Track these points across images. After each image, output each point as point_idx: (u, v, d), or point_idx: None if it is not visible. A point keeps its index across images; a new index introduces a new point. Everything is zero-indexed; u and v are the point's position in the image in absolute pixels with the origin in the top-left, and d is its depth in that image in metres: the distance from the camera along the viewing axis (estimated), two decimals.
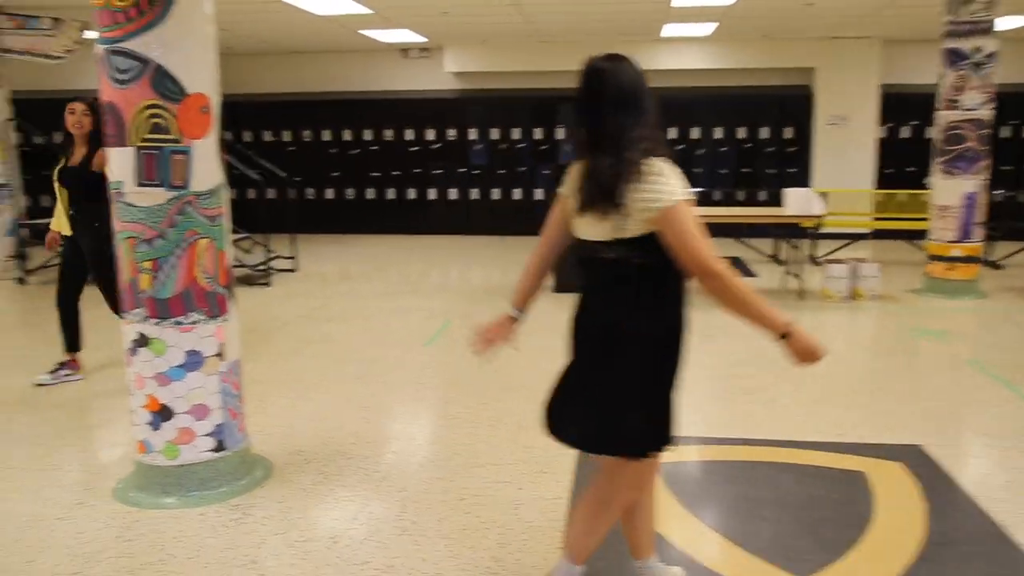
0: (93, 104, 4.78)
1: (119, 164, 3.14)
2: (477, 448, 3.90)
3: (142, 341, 3.22)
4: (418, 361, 5.52)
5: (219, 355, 3.31)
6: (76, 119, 4.76)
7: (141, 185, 3.11)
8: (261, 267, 8.54)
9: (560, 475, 3.53)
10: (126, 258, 3.21)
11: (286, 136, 12.32)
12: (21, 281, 8.64)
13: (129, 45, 3.00)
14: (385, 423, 4.38)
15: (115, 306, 5.01)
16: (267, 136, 12.28)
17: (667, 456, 2.34)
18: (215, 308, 3.28)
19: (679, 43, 11.27)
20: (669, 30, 10.47)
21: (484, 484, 3.48)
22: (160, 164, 3.09)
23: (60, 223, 4.98)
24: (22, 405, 4.64)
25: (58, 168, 4.91)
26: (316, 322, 6.72)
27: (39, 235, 9.14)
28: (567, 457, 3.68)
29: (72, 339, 5.06)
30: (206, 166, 3.19)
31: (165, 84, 3.03)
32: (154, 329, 3.20)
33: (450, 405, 4.62)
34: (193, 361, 3.24)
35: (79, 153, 4.82)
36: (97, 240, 4.69)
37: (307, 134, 12.27)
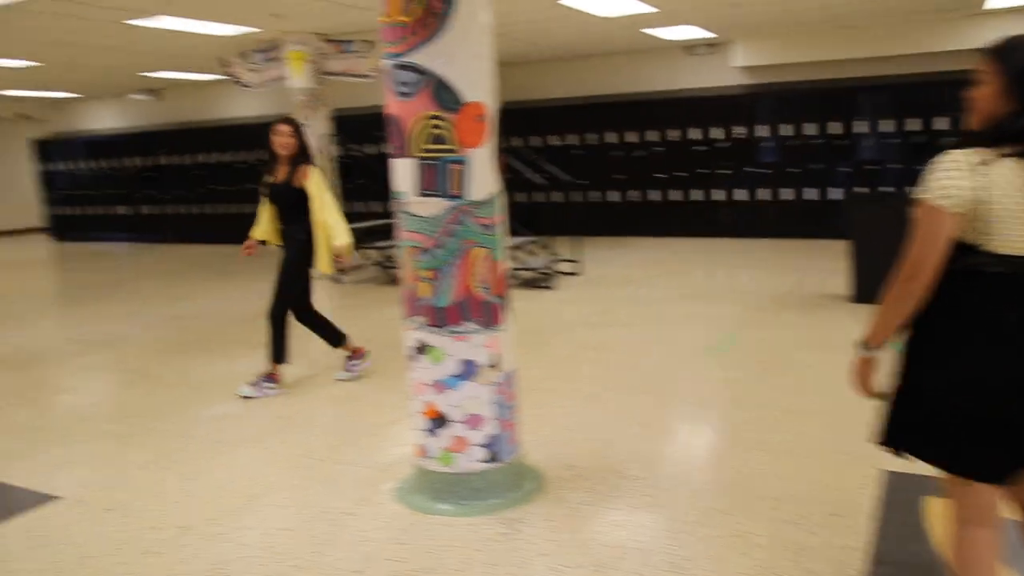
0: (296, 125, 5.09)
1: (401, 175, 3.23)
2: (761, 478, 3.53)
3: (421, 348, 3.29)
4: (701, 374, 5.20)
5: (493, 365, 3.29)
6: (282, 140, 4.96)
7: (421, 195, 3.17)
8: (544, 270, 8.68)
9: (855, 519, 3.07)
10: (407, 266, 3.30)
11: (571, 140, 12.49)
12: (337, 281, 9.58)
13: (412, 59, 3.07)
14: (663, 441, 4.15)
15: (273, 309, 5.17)
16: (553, 140, 12.54)
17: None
18: (489, 318, 3.26)
19: (1010, 15, 9.71)
20: (996, 0, 9.08)
21: (766, 522, 3.11)
22: (439, 174, 3.13)
23: (260, 231, 5.26)
24: (326, 398, 5.05)
25: (265, 183, 5.17)
26: (596, 327, 6.65)
27: (357, 239, 10.14)
28: (865, 498, 3.19)
29: (279, 351, 5.20)
30: (482, 175, 3.18)
31: (444, 95, 3.06)
32: (432, 337, 3.25)
33: (734, 426, 4.26)
34: (468, 370, 3.25)
35: (283, 171, 5.04)
36: (299, 252, 4.99)
37: (592, 137, 12.34)
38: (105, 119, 16.67)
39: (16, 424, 4.85)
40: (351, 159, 12.29)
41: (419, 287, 3.26)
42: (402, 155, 3.20)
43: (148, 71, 12.54)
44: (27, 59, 10.53)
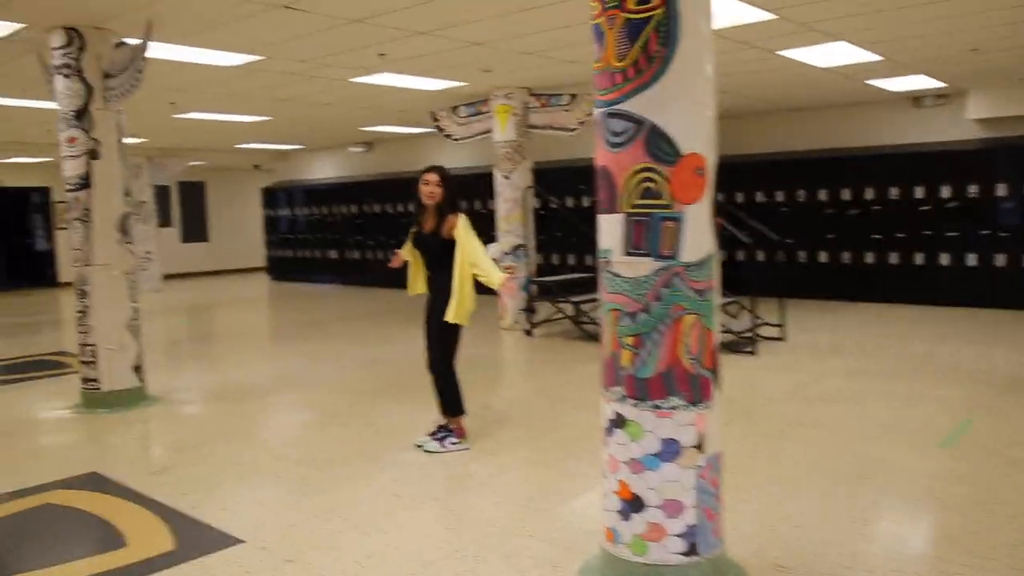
0: (444, 174, 4.92)
1: (607, 231, 2.99)
2: None
3: (618, 422, 3.00)
4: (931, 467, 4.51)
5: (698, 447, 2.93)
6: (428, 189, 4.87)
7: (628, 254, 2.90)
8: (747, 334, 8.12)
9: None
10: (608, 331, 3.03)
11: (779, 196, 11.81)
12: (528, 333, 9.50)
13: (625, 107, 2.84)
14: (888, 546, 3.56)
15: (432, 364, 5.05)
16: (759, 197, 11.92)
17: None
18: (697, 393, 2.92)
19: None
20: None
21: None
22: (649, 232, 2.85)
23: (413, 283, 5.17)
24: (510, 459, 4.85)
25: (412, 233, 5.06)
26: (805, 401, 6.04)
27: (547, 291, 10.09)
28: None
29: (451, 403, 5.06)
30: (697, 234, 2.87)
31: (659, 145, 2.80)
32: (632, 410, 2.95)
33: (975, 535, 3.59)
34: (669, 451, 2.91)
35: (430, 222, 4.93)
36: (448, 301, 4.80)
37: (801, 194, 11.61)
38: (322, 169, 17.94)
39: (218, 457, 5.03)
40: (549, 211, 12.33)
41: (621, 355, 2.98)
42: (610, 210, 2.96)
43: (365, 125, 13.32)
44: (261, 114, 11.48)
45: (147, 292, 16.61)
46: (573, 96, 9.50)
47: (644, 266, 2.87)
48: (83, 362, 6.35)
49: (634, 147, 2.83)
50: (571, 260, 12.70)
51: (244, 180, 21.36)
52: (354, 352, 8.69)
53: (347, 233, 16.77)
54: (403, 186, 15.31)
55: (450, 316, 4.80)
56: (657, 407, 2.90)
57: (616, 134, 2.88)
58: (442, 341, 4.98)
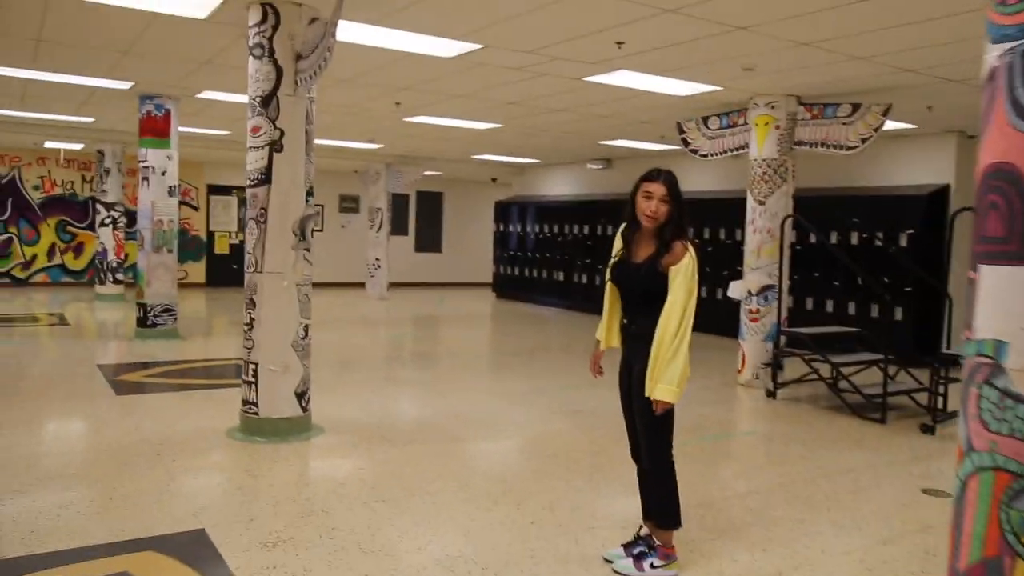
0: (674, 185, 3.39)
1: (1001, 302, 1.39)
2: None
3: None
4: None
5: None
6: (654, 206, 3.38)
7: None
8: None
9: None
10: (980, 511, 1.43)
11: None
12: (771, 394, 7.70)
13: None
14: None
15: (639, 455, 3.61)
16: None
17: None
18: None
19: None
20: None
21: None
22: None
23: (608, 335, 3.71)
24: None
25: (613, 262, 3.61)
26: None
27: (796, 343, 8.21)
28: None
29: (662, 510, 3.56)
30: None
31: None
32: None
33: None
34: None
35: (645, 248, 3.46)
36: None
37: None
38: (557, 186, 16.97)
39: (344, 533, 3.91)
40: (809, 247, 10.35)
41: (1014, 566, 1.37)
42: (1013, 258, 1.38)
43: (604, 139, 12.08)
44: (492, 121, 10.60)
45: (372, 299, 16.54)
46: (855, 106, 7.59)
47: None
48: (244, 381, 5.58)
49: None
50: (829, 307, 10.57)
51: (481, 193, 21.03)
52: (561, 396, 7.39)
53: (576, 255, 15.63)
54: None
55: (663, 394, 3.33)
56: None
57: None
58: (653, 427, 3.50)
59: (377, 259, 16.87)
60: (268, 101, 5.41)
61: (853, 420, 6.84)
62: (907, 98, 7.64)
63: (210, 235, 18.05)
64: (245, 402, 5.57)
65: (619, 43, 6.18)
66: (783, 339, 7.97)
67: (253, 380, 5.49)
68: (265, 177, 5.42)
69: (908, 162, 10.26)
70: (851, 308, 10.41)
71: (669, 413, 3.44)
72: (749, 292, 8.20)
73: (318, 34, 5.25)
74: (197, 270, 17.90)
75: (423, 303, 16.69)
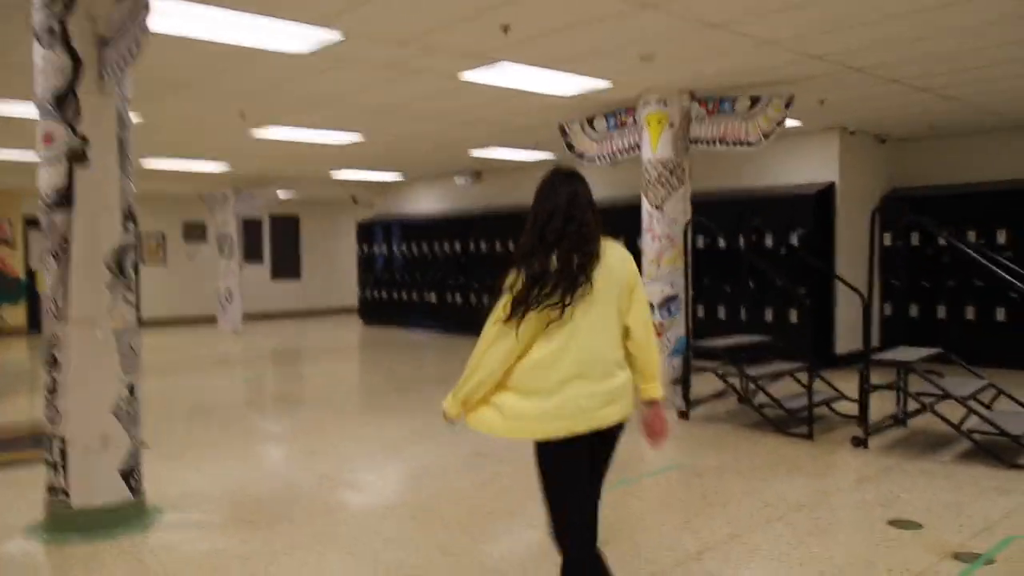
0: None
1: None
2: None
3: None
4: None
5: None
6: None
7: None
8: None
9: None
10: None
11: None
12: (683, 415, 7.00)
13: None
14: None
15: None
16: None
17: None
18: None
19: None
20: None
21: None
22: None
23: None
24: None
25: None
26: None
27: (705, 357, 7.61)
28: None
29: None
30: None
31: None
32: None
33: None
34: None
35: None
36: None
37: None
38: (424, 202, 15.95)
39: None
40: (711, 253, 9.88)
41: None
42: None
43: (475, 147, 11.20)
44: (352, 129, 9.50)
45: (226, 334, 14.95)
46: (755, 99, 7.06)
47: None
48: (48, 463, 4.26)
49: None
50: (743, 315, 10.07)
51: (340, 214, 19.73)
52: (450, 439, 6.38)
53: (449, 274, 14.66)
54: (514, 221, 13.10)
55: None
56: None
57: None
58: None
59: (229, 290, 15.28)
60: (63, 101, 4.16)
61: (779, 439, 6.22)
62: (801, 91, 7.18)
63: (30, 273, 15.82)
64: (52, 489, 4.25)
65: (505, 27, 5.29)
66: (688, 354, 7.31)
67: (61, 460, 4.19)
68: (64, 199, 4.16)
69: (793, 160, 9.95)
70: (742, 314, 9.99)
71: (540, 457, 2.69)
72: (651, 305, 7.49)
73: (127, 10, 4.06)
74: (16, 314, 15.66)
75: (283, 335, 15.23)
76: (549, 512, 2.68)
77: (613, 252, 2.72)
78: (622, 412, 2.68)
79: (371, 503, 4.81)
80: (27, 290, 15.71)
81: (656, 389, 2.80)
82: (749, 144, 7.11)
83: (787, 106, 6.90)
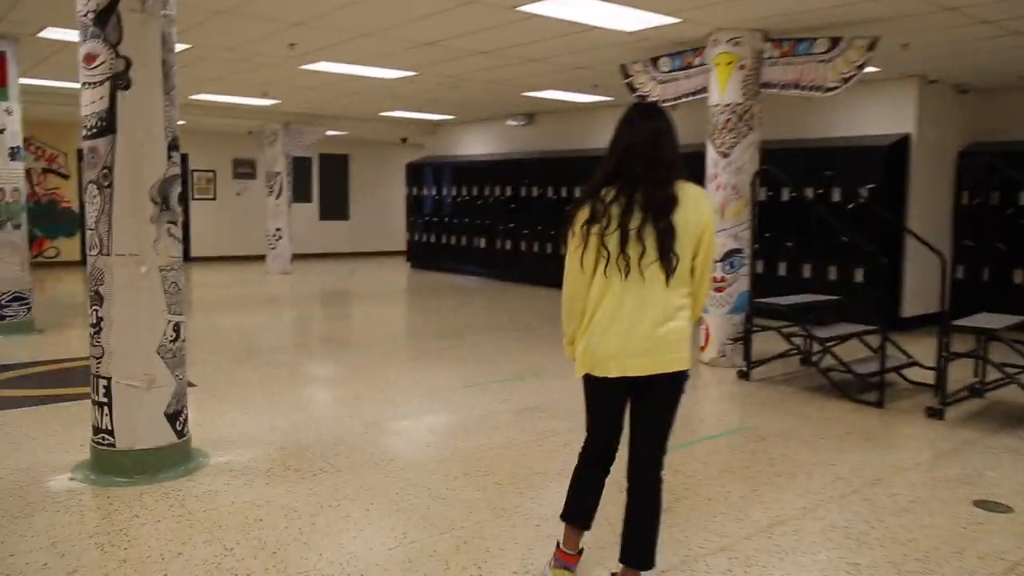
0: None
1: None
2: None
3: None
4: None
5: None
6: None
7: None
8: None
9: None
10: None
11: None
12: (743, 375, 6.70)
13: None
14: None
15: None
16: None
17: None
18: None
19: None
20: None
21: None
22: None
23: None
24: None
25: None
26: None
27: (768, 312, 7.25)
28: None
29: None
30: None
31: None
32: None
33: None
34: None
35: None
36: None
37: None
38: (475, 145, 15.58)
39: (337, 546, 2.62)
40: (785, 204, 9.43)
41: None
42: None
43: (530, 89, 10.79)
44: (404, 68, 9.18)
45: (275, 274, 14.93)
46: (835, 41, 6.55)
47: None
48: (94, 402, 4.14)
49: None
50: (807, 272, 9.63)
51: (390, 155, 19.48)
52: (501, 391, 6.19)
53: (499, 219, 14.36)
54: (568, 166, 12.73)
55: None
56: None
57: None
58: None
59: (278, 229, 15.20)
60: (105, 18, 3.91)
61: (845, 404, 5.89)
62: (885, 34, 6.64)
63: (84, 206, 15.95)
64: (96, 430, 4.13)
65: None
66: (752, 311, 6.97)
67: (106, 401, 4.06)
68: (107, 125, 3.95)
69: (864, 110, 9.37)
70: (832, 274, 9.49)
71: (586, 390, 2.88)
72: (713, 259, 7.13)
73: None
74: (70, 247, 15.82)
75: (331, 276, 15.17)
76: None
77: (688, 195, 2.66)
78: (663, 365, 2.66)
79: (419, 455, 4.64)
80: (81, 223, 15.84)
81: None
82: (827, 89, 6.62)
83: (870, 48, 6.38)
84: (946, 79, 9.20)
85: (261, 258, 16.08)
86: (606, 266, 2.61)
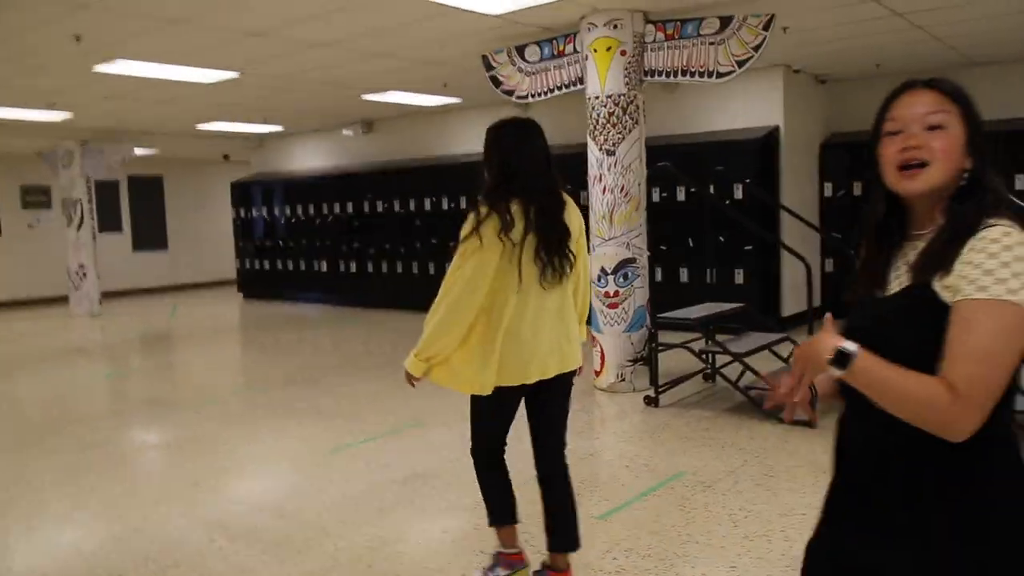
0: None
1: None
2: None
3: None
4: None
5: None
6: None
7: None
8: None
9: None
10: None
11: None
12: (651, 402, 5.89)
13: None
14: None
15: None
16: None
17: None
18: None
19: None
20: None
21: None
22: None
23: None
24: None
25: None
26: None
27: (675, 327, 6.49)
28: None
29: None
30: None
31: None
32: None
33: None
34: None
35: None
36: None
37: None
38: (308, 158, 14.15)
39: None
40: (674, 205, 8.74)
41: None
42: None
43: (371, 91, 9.60)
44: (225, 67, 7.78)
45: (81, 317, 12.85)
46: (725, 20, 5.89)
47: None
48: None
49: None
50: (710, 278, 8.95)
51: (212, 174, 17.59)
52: (377, 454, 5.03)
53: (340, 239, 13.02)
54: (413, 176, 11.64)
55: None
56: None
57: None
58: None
59: (81, 265, 13.11)
60: None
61: (777, 428, 5.19)
62: (770, 11, 6.08)
63: None
64: None
65: None
66: (649, 328, 6.19)
67: None
68: None
69: (733, 102, 8.92)
70: (737, 278, 8.87)
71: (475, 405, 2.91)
72: (603, 271, 6.31)
73: None
74: None
75: (150, 316, 13.25)
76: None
77: (567, 200, 2.86)
78: (568, 363, 2.86)
79: (289, 571, 3.42)
80: None
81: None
82: (720, 75, 5.95)
83: (765, 28, 5.77)
84: (809, 69, 8.92)
85: (64, 299, 13.84)
86: (520, 273, 2.68)
